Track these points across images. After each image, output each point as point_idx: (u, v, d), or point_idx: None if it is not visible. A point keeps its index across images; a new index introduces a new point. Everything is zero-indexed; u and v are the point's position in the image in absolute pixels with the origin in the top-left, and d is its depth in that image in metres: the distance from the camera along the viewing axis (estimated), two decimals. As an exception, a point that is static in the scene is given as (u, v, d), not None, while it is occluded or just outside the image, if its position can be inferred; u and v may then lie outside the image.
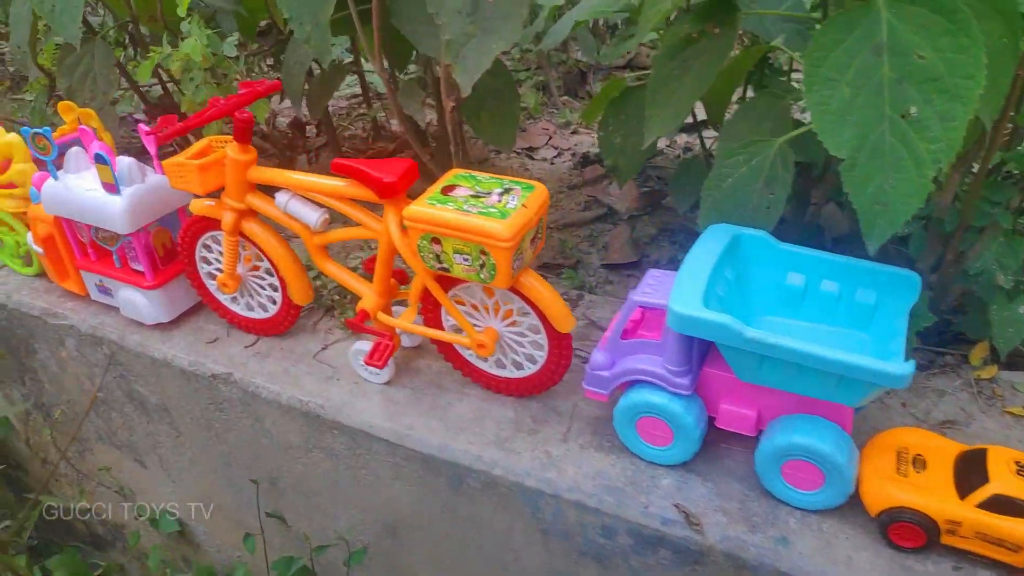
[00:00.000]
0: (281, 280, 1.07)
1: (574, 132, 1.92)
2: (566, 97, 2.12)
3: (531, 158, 1.78)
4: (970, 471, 0.77)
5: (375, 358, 0.98)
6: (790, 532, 0.81)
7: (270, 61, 1.98)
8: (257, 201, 1.01)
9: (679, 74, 0.97)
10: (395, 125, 1.87)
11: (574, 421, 0.97)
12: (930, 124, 0.75)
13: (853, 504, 0.82)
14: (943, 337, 1.06)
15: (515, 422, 0.97)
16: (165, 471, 1.35)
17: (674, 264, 1.16)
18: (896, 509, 0.77)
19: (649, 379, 0.85)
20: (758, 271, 0.92)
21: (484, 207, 0.83)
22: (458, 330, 0.97)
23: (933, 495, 0.76)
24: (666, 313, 0.80)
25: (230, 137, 1.00)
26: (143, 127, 1.04)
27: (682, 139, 1.81)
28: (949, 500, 0.75)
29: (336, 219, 1.01)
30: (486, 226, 0.81)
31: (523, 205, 0.84)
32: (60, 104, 1.31)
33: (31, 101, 1.99)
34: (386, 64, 1.23)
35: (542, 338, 0.93)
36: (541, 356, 0.94)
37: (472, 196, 0.86)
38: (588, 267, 1.34)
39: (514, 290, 0.89)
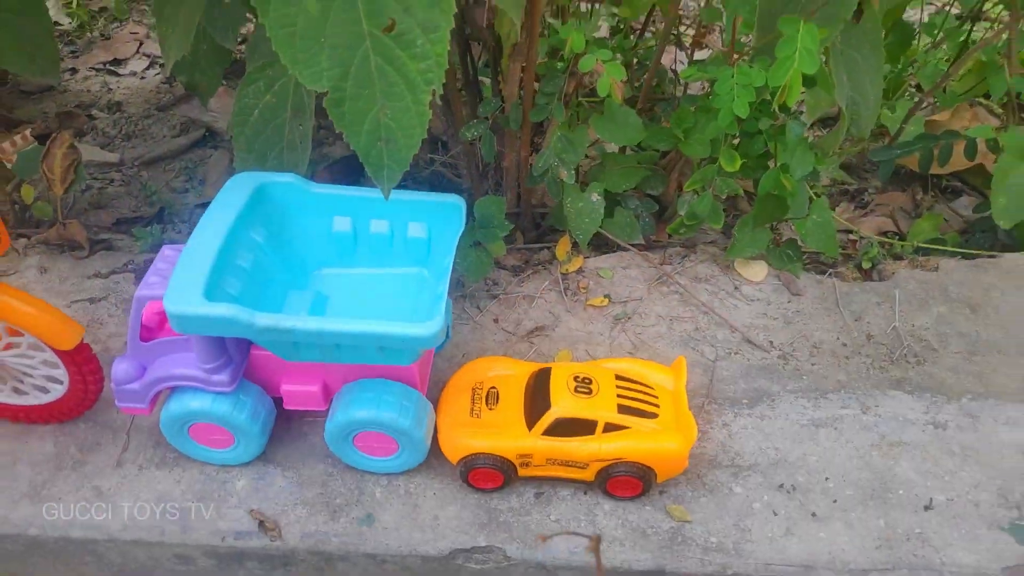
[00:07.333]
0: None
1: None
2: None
3: (115, 74, 1.45)
4: (537, 397, 0.76)
5: None
6: (376, 506, 0.76)
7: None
8: None
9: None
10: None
11: (132, 436, 0.82)
12: (414, 37, 0.63)
13: (439, 455, 0.77)
14: (540, 232, 1.06)
15: (55, 458, 0.80)
16: None
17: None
18: (471, 457, 0.74)
19: (185, 382, 0.73)
20: (300, 221, 0.82)
21: None
22: None
23: (504, 433, 0.74)
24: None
25: None
26: None
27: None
28: (519, 435, 0.74)
29: None
30: None
31: None
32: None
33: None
34: None
35: (51, 356, 0.76)
36: (63, 375, 0.78)
37: None
38: (182, 212, 1.07)
39: None
